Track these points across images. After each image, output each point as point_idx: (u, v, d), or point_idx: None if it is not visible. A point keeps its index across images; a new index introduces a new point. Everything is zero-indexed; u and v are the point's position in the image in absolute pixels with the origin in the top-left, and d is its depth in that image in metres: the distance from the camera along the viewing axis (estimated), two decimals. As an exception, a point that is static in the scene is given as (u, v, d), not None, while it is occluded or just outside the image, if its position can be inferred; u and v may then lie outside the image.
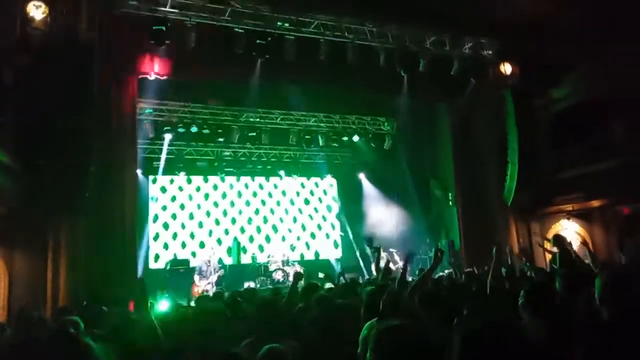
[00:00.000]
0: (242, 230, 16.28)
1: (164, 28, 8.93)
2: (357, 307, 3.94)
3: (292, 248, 15.90)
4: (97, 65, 8.43)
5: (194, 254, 14.95)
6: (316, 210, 17.78)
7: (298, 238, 16.95)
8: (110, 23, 8.76)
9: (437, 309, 3.59)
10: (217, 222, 16.05)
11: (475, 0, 9.86)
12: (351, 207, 17.54)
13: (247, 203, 16.72)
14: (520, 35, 10.53)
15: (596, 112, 10.30)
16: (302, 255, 16.50)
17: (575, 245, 7.12)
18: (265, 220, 16.81)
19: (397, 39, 10.81)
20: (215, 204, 16.24)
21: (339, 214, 17.79)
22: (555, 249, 7.07)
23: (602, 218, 11.10)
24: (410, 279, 5.31)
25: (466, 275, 6.91)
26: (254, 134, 14.52)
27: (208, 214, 16.01)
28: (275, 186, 17.34)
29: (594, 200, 10.99)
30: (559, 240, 7.12)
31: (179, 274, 12.62)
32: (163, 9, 9.13)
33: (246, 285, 12.67)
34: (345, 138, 15.40)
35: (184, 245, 15.33)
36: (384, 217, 16.07)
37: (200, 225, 15.78)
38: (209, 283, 11.88)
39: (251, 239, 16.35)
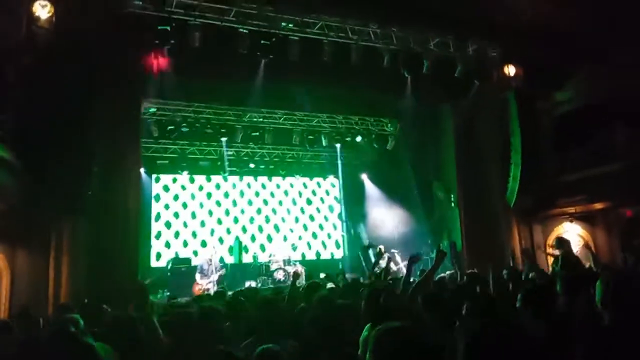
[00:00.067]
0: (244, 229, 16.31)
1: (168, 28, 8.94)
2: (358, 308, 3.94)
3: (294, 248, 15.92)
4: (101, 64, 8.46)
5: (195, 253, 15.00)
6: (318, 210, 17.79)
7: (300, 238, 16.97)
8: (115, 23, 8.78)
9: (439, 310, 3.60)
10: (219, 222, 16.07)
11: (479, 2, 9.84)
12: (353, 207, 17.54)
13: (250, 202, 16.74)
14: (523, 38, 10.50)
15: (599, 115, 10.29)
16: (303, 255, 16.51)
17: (577, 247, 7.13)
18: (267, 220, 16.83)
19: (401, 40, 10.80)
20: (218, 203, 16.27)
21: (340, 214, 17.80)
22: (557, 252, 7.07)
23: (605, 221, 11.08)
24: (411, 279, 5.31)
25: (468, 277, 6.90)
26: (257, 133, 14.55)
27: (210, 213, 16.04)
28: (278, 186, 17.37)
29: (596, 203, 10.97)
30: (561, 242, 7.12)
31: (181, 272, 12.65)
32: (168, 9, 9.15)
33: (247, 284, 12.70)
34: (348, 138, 15.41)
35: (185, 244, 15.36)
36: (386, 217, 16.07)
37: (202, 224, 15.81)
38: (210, 282, 11.90)
39: (253, 238, 16.37)
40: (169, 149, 15.17)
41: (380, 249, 12.81)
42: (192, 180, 16.06)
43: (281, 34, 9.94)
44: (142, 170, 12.34)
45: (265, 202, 17.03)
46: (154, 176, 15.49)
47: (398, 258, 13.46)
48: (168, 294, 11.34)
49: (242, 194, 16.70)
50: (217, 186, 16.40)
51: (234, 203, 16.46)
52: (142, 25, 9.07)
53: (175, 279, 12.42)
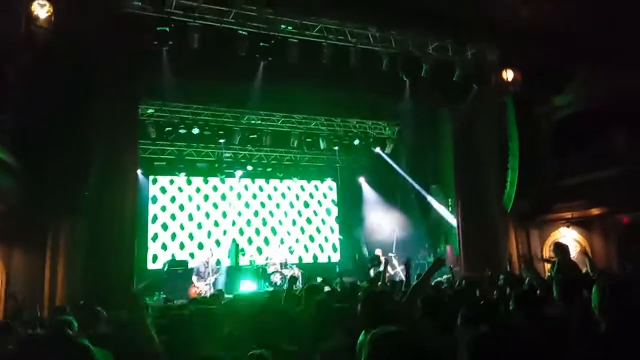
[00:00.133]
0: (241, 232, 16.28)
1: (167, 29, 8.94)
2: (355, 311, 3.92)
3: (291, 251, 15.89)
4: (100, 65, 8.45)
5: (192, 255, 14.96)
6: (315, 213, 17.76)
7: (297, 241, 16.94)
8: (115, 23, 8.77)
9: (439, 314, 3.59)
10: (216, 224, 16.04)
11: (478, 6, 9.86)
12: (351, 211, 17.53)
13: (247, 205, 16.72)
14: (522, 42, 10.53)
15: (598, 120, 10.29)
16: (300, 258, 16.47)
17: (574, 253, 7.13)
18: (265, 223, 16.81)
19: (400, 43, 10.82)
20: (215, 206, 16.23)
21: (338, 217, 17.78)
22: (554, 257, 7.07)
23: (602, 226, 11.09)
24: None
25: (465, 281, 6.90)
26: (255, 136, 14.54)
27: (207, 215, 16.01)
28: (275, 188, 17.34)
29: (594, 208, 10.97)
30: (559, 248, 7.12)
31: (177, 274, 12.62)
32: (167, 9, 9.14)
33: (244, 287, 12.66)
34: (346, 141, 15.40)
35: (182, 246, 15.32)
36: (383, 221, 16.06)
37: (199, 226, 15.77)
38: (206, 284, 11.86)
39: (250, 241, 16.35)
40: (166, 151, 15.14)
41: (377, 255, 12.85)
42: (189, 182, 16.02)
43: (280, 36, 9.95)
44: (139, 171, 12.31)
45: (263, 205, 17.00)
46: (151, 177, 15.45)
47: (395, 262, 13.46)
48: (164, 296, 11.29)
49: (239, 196, 16.66)
50: (215, 188, 16.37)
51: (231, 205, 16.43)
52: (142, 25, 9.06)
53: (171, 281, 12.37)
